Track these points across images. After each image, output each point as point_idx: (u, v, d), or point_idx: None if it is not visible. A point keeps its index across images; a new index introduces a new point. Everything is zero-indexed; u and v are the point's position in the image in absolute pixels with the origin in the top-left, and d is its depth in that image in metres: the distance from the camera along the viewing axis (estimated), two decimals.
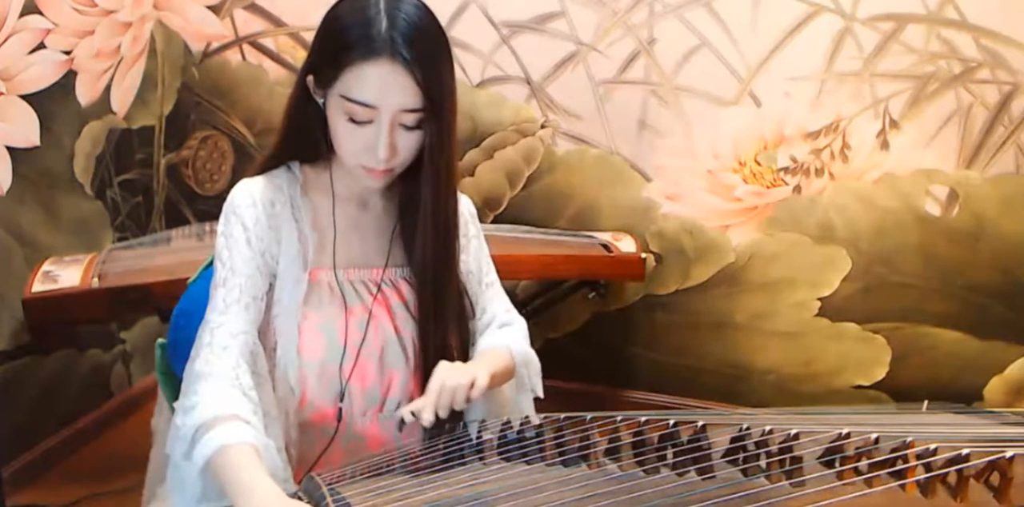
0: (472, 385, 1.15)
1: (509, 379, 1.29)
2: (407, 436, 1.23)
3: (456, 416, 1.23)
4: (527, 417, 1.17)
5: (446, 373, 1.16)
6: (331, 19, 1.17)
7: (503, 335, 1.32)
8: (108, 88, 2.52)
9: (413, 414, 1.14)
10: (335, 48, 1.14)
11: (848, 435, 0.95)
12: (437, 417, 1.14)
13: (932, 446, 0.92)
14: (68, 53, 2.33)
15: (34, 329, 2.17)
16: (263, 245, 1.22)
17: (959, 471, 0.88)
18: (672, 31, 2.43)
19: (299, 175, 1.27)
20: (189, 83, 2.82)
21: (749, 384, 2.63)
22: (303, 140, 1.25)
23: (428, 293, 1.27)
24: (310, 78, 1.19)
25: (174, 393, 1.35)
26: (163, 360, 1.46)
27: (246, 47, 2.77)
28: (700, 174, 2.53)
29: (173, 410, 1.20)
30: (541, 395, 1.35)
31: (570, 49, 2.52)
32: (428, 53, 1.13)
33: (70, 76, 2.36)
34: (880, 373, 2.52)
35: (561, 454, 1.08)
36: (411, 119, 1.15)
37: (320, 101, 1.19)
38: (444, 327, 1.27)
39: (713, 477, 0.98)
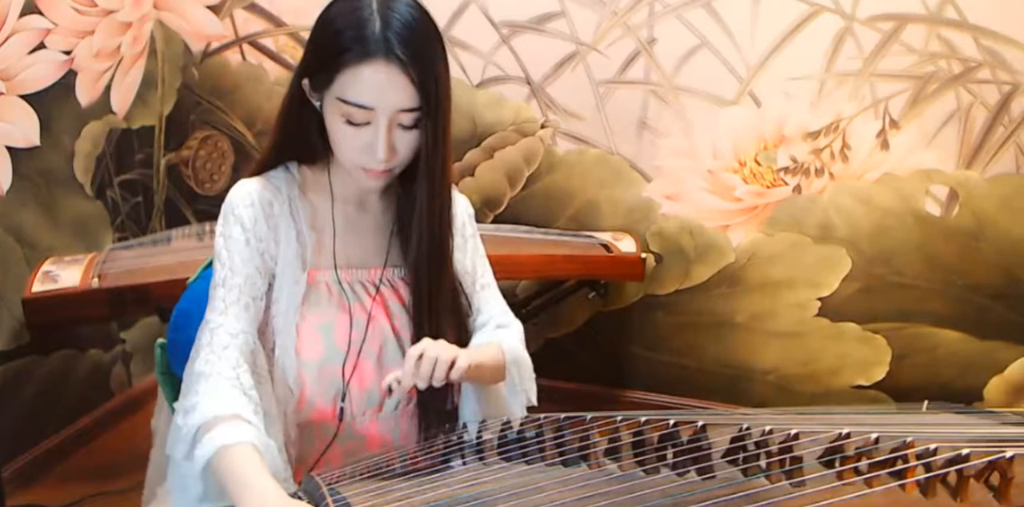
0: (452, 363, 1.13)
1: (499, 378, 1.28)
2: (405, 436, 1.23)
3: (449, 414, 1.23)
4: (527, 417, 1.17)
5: (427, 344, 1.15)
6: (324, 22, 1.17)
7: (497, 334, 1.32)
8: (108, 88, 2.52)
9: (398, 381, 1.14)
10: (329, 51, 1.13)
11: (848, 435, 0.95)
12: (428, 408, 1.12)
13: (932, 446, 0.92)
14: (68, 53, 2.33)
15: (34, 329, 2.17)
16: (262, 245, 1.22)
17: (959, 471, 0.88)
18: (672, 31, 2.43)
19: (297, 175, 1.27)
20: (189, 83, 2.82)
21: (749, 384, 2.63)
22: (299, 142, 1.25)
23: (422, 289, 1.26)
24: (305, 81, 1.19)
25: (174, 393, 1.35)
26: (163, 360, 1.46)
27: (246, 47, 2.77)
28: (700, 174, 2.53)
29: (173, 410, 1.20)
30: (534, 401, 1.33)
31: (570, 49, 2.53)
32: (423, 52, 1.13)
33: (70, 76, 2.36)
34: (880, 373, 2.52)
35: (561, 454, 1.08)
36: (408, 119, 1.15)
37: (316, 104, 1.19)
38: (438, 324, 1.26)
39: (713, 477, 0.98)
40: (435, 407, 1.27)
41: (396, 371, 1.16)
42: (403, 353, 1.26)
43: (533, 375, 1.34)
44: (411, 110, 1.14)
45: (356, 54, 1.11)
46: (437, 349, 1.14)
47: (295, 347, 1.22)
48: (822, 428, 0.98)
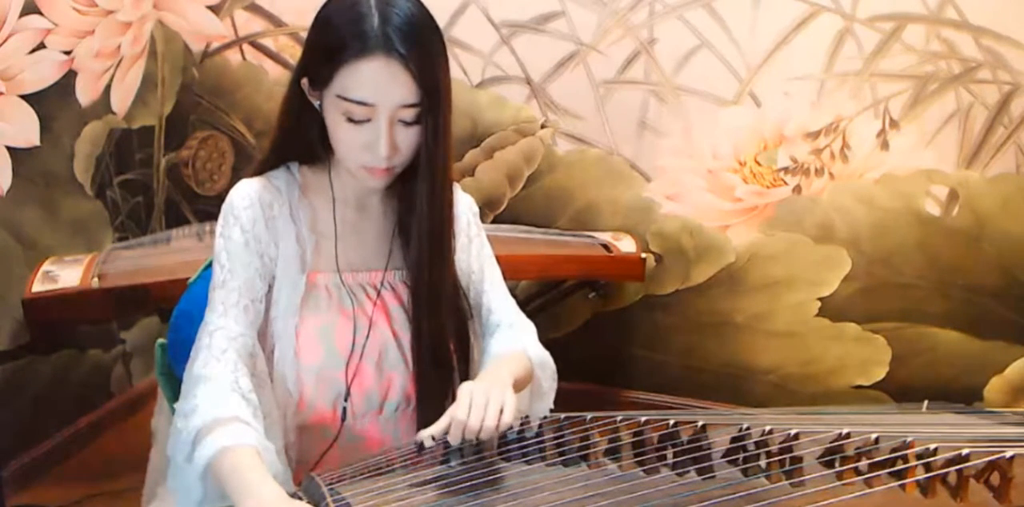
0: (500, 411, 1.09)
1: (528, 384, 1.27)
2: (405, 438, 1.22)
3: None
4: (527, 417, 1.17)
5: (474, 394, 1.09)
6: (322, 19, 1.16)
7: (516, 336, 1.30)
8: (108, 88, 2.52)
9: (434, 439, 1.09)
10: (328, 48, 1.13)
11: (848, 435, 0.95)
12: (428, 410, 1.11)
13: (932, 446, 0.92)
14: (68, 53, 2.33)
15: (34, 329, 2.17)
16: (261, 247, 1.21)
17: (959, 471, 0.88)
18: (672, 31, 2.43)
19: (298, 176, 1.26)
20: (189, 83, 2.82)
21: (749, 384, 2.63)
22: (299, 144, 1.24)
23: (421, 288, 1.25)
24: (304, 81, 1.18)
25: (174, 394, 1.35)
26: (163, 361, 1.46)
27: (246, 47, 2.77)
28: (700, 174, 2.53)
29: (173, 411, 1.20)
30: (551, 404, 1.32)
31: (570, 49, 2.52)
32: (423, 47, 1.12)
33: (70, 76, 2.36)
34: (880, 373, 2.52)
35: (561, 454, 1.08)
36: (409, 115, 1.14)
37: (316, 103, 1.18)
38: (439, 324, 1.25)
39: (713, 477, 0.98)
40: (435, 409, 1.26)
41: (434, 427, 1.10)
42: (403, 356, 1.26)
43: (556, 375, 1.32)
44: (412, 106, 1.13)
45: (355, 50, 1.10)
46: (484, 401, 1.09)
47: (294, 350, 1.21)
48: (822, 428, 0.98)
